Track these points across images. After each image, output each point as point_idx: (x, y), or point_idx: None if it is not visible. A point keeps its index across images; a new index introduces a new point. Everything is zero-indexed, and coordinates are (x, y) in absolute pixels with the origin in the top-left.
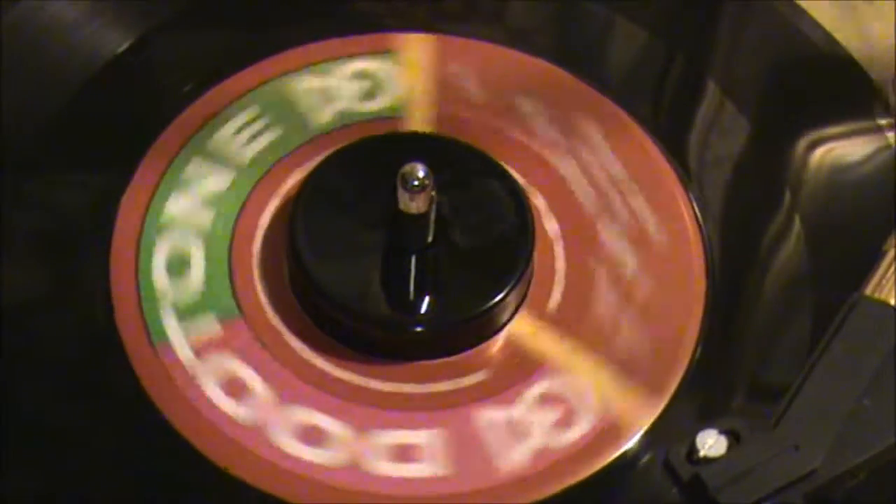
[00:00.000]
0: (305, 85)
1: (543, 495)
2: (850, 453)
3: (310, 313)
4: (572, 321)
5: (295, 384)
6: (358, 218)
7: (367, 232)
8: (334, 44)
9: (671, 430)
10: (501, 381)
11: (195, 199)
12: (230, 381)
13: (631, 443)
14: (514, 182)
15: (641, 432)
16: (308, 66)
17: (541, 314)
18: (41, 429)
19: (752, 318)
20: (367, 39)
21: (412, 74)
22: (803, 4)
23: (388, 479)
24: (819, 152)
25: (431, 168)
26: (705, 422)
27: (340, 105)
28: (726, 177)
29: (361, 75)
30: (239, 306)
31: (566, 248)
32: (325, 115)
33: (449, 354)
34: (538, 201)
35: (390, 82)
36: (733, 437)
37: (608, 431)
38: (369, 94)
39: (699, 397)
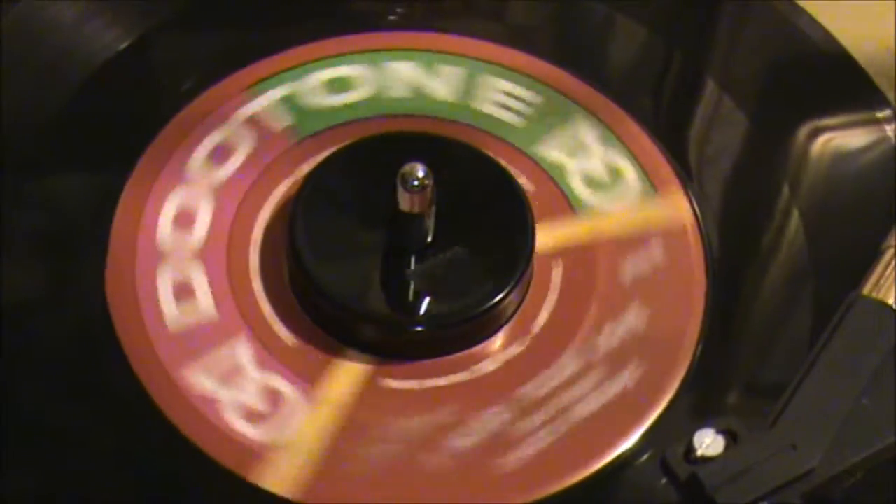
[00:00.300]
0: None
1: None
2: (848, 453)
3: (310, 313)
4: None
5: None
6: (358, 218)
7: (367, 232)
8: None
9: (672, 430)
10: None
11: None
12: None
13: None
14: (514, 182)
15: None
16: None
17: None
18: (41, 428)
19: (753, 316)
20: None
21: None
22: (802, 3)
23: None
24: (818, 148)
25: (431, 168)
26: (705, 421)
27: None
28: (726, 174)
29: None
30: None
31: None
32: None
33: (449, 354)
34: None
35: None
36: (730, 437)
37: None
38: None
39: (700, 397)
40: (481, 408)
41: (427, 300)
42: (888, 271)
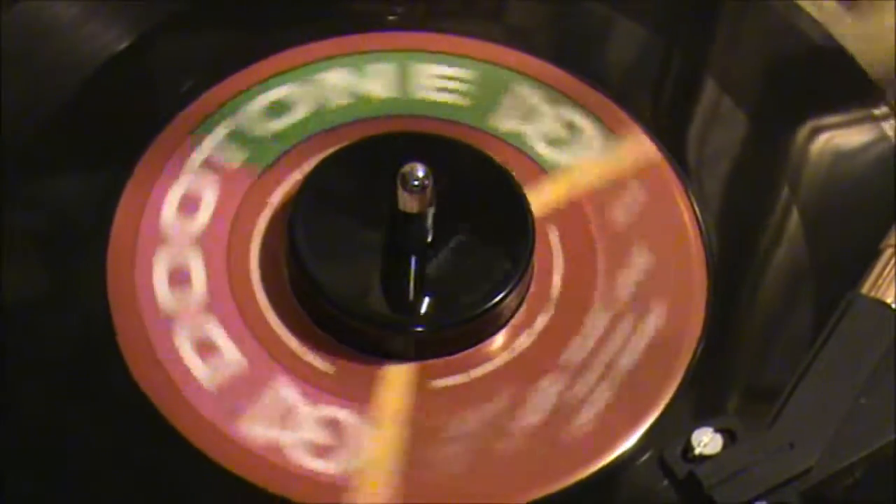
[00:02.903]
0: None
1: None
2: (846, 452)
3: (310, 313)
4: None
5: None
6: (358, 218)
7: (367, 232)
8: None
9: (672, 430)
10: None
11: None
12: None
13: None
14: (514, 182)
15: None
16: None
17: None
18: (40, 429)
19: (752, 315)
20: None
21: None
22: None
23: None
24: (817, 147)
25: (431, 168)
26: (703, 420)
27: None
28: (725, 173)
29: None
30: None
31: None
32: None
33: (449, 354)
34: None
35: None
36: (729, 436)
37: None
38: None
39: (700, 396)
40: (533, 383)
41: (428, 300)
42: (887, 270)
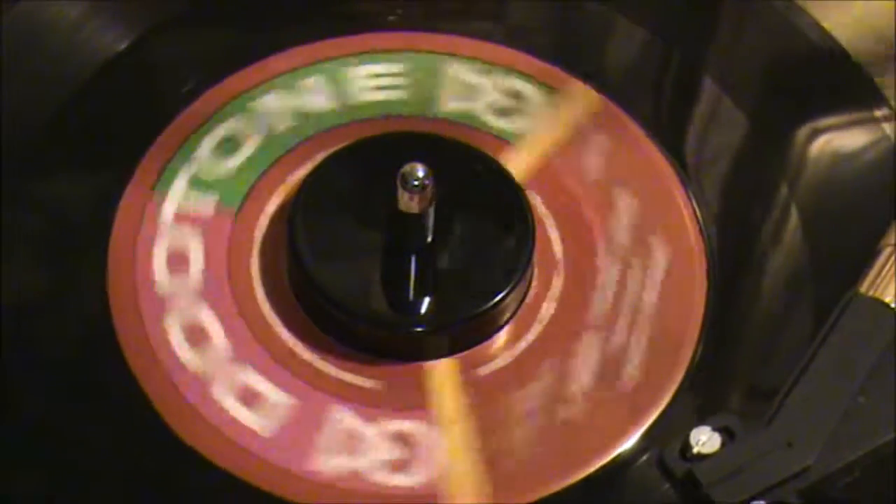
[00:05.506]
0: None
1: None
2: (844, 451)
3: (310, 313)
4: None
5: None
6: (358, 218)
7: (367, 232)
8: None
9: (670, 430)
10: (388, 398)
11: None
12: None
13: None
14: (514, 182)
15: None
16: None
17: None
18: (41, 432)
19: (752, 315)
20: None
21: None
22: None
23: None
24: (817, 147)
25: (431, 168)
26: (702, 419)
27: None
28: (725, 173)
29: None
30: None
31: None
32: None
33: (450, 354)
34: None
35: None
36: (727, 434)
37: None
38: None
39: (700, 395)
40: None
41: (428, 300)
42: (885, 270)
